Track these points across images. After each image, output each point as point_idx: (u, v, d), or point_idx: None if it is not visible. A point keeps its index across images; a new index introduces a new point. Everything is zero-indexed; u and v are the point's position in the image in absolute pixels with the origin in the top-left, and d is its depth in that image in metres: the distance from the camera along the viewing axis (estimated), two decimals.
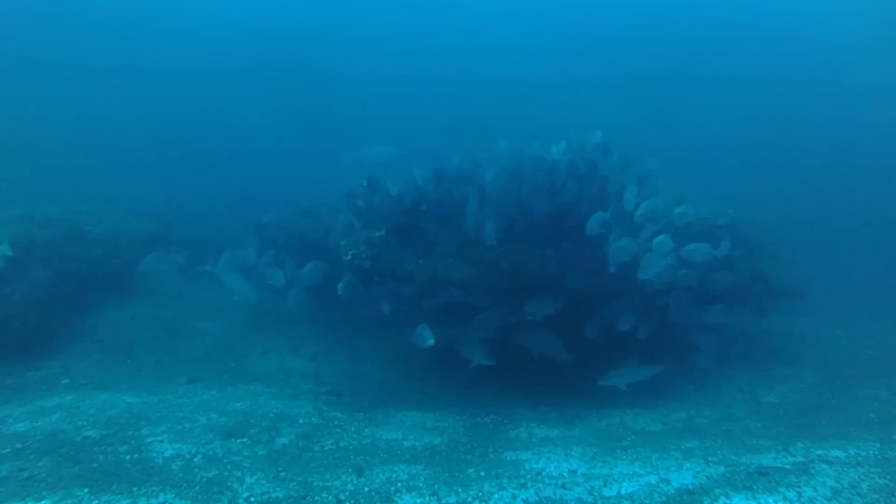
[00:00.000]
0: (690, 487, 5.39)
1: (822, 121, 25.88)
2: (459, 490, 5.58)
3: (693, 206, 9.98)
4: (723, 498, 5.07)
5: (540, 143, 11.50)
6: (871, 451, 6.06)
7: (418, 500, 5.35)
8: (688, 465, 6.03)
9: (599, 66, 34.62)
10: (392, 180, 11.06)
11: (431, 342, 8.06)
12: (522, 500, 5.33)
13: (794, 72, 30.85)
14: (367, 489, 5.56)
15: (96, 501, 4.99)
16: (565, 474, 5.95)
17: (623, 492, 5.44)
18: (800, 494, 5.03)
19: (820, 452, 6.10)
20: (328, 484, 5.65)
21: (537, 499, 5.35)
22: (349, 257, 8.75)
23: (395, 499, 5.38)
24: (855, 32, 31.56)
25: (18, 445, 6.12)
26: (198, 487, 5.42)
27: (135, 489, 5.27)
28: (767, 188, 19.52)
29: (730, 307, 9.76)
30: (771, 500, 4.95)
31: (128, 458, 6.00)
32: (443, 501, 5.34)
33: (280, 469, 5.96)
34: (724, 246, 9.27)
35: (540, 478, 5.86)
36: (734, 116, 27.66)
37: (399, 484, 5.71)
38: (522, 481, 5.76)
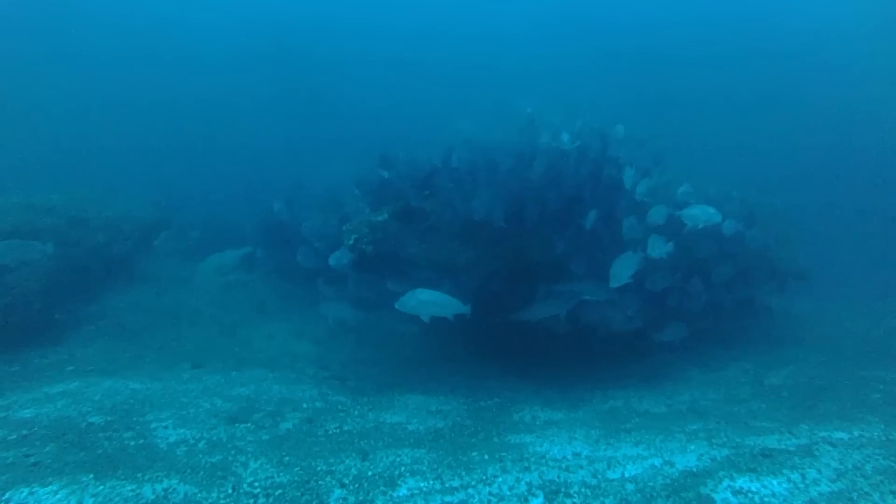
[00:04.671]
0: (694, 470, 5.38)
1: (832, 107, 25.66)
2: (463, 473, 5.58)
3: (698, 187, 10.00)
4: (727, 480, 5.06)
5: (551, 130, 11.44)
6: (875, 433, 6.05)
7: (422, 484, 5.36)
8: (692, 447, 6.02)
9: (609, 50, 34.39)
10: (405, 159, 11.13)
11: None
12: (526, 483, 5.33)
13: (804, 57, 30.60)
14: (370, 473, 5.57)
15: (101, 487, 5.01)
16: (569, 457, 5.95)
17: (627, 474, 5.43)
18: (804, 476, 5.02)
19: (824, 434, 6.08)
20: (332, 468, 5.66)
21: (541, 482, 5.35)
22: (351, 242, 8.72)
23: (399, 482, 5.39)
24: (863, 19, 31.23)
25: (25, 432, 6.14)
26: (202, 472, 5.44)
27: (139, 475, 5.29)
28: (775, 172, 19.42)
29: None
30: (775, 482, 4.94)
31: (132, 443, 6.02)
32: (446, 485, 5.35)
33: (284, 454, 5.98)
34: (728, 225, 9.27)
35: (544, 461, 5.86)
36: (742, 101, 27.46)
37: (403, 468, 5.72)
38: (526, 464, 5.77)
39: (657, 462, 5.65)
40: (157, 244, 10.74)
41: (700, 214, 8.85)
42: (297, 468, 5.64)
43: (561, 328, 8.82)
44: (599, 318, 8.87)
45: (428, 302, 7.58)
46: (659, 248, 8.41)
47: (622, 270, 8.05)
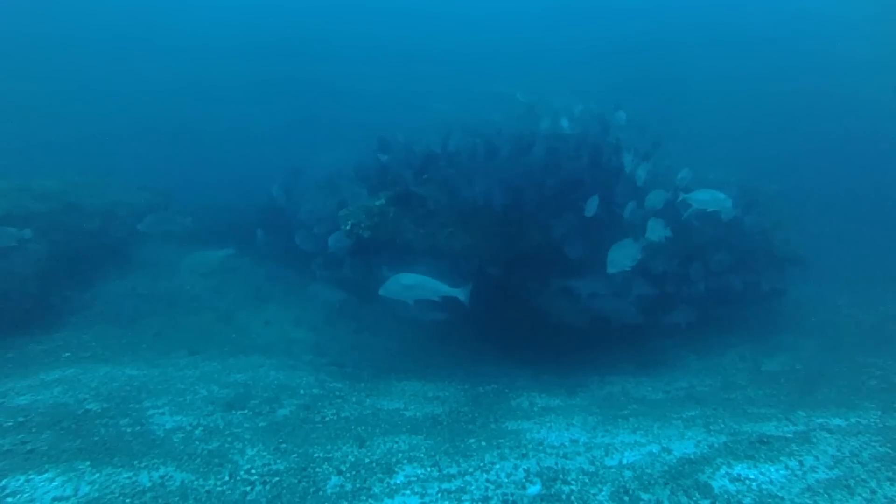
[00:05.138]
0: (692, 456, 5.38)
1: (832, 92, 25.53)
2: (461, 460, 5.58)
3: (697, 172, 9.96)
4: (724, 467, 5.07)
5: (551, 116, 11.36)
6: (871, 420, 6.06)
7: (419, 471, 5.35)
8: (689, 433, 6.02)
9: (596, 34, 34.19)
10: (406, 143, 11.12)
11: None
12: (524, 470, 5.33)
13: (804, 42, 30.44)
14: (367, 460, 5.57)
15: (98, 474, 5.00)
16: (567, 444, 5.95)
17: (624, 461, 5.43)
18: (801, 463, 5.02)
19: (821, 421, 6.09)
20: (329, 455, 5.65)
21: (539, 468, 5.35)
22: (348, 227, 8.67)
23: (396, 469, 5.39)
24: (862, 5, 31.01)
25: (21, 419, 6.12)
26: (199, 460, 5.43)
27: (136, 462, 5.28)
28: (771, 157, 19.37)
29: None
30: (772, 469, 4.94)
31: (129, 430, 6.00)
32: (444, 472, 5.34)
33: (281, 440, 5.97)
34: (727, 211, 9.25)
35: (541, 447, 5.86)
36: (742, 86, 27.31)
37: (400, 455, 5.71)
38: (524, 451, 5.76)
39: (655, 449, 5.65)
40: (142, 227, 10.63)
41: (709, 199, 8.82)
42: (295, 455, 5.63)
43: (579, 321, 8.84)
44: (614, 310, 8.85)
45: (411, 286, 7.55)
46: (658, 232, 8.39)
47: (620, 257, 8.02)
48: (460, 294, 7.49)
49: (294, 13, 37.65)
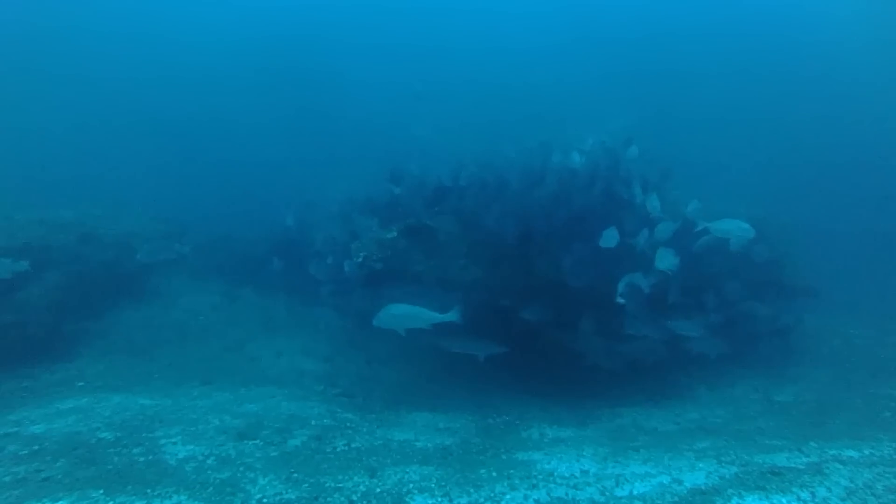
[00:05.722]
0: (703, 488, 5.36)
1: (840, 120, 25.57)
2: (471, 491, 5.58)
3: (707, 203, 10.04)
4: (735, 498, 5.04)
5: (562, 149, 11.50)
6: (885, 451, 6.01)
7: (430, 501, 5.36)
8: (700, 465, 6.00)
9: (611, 65, 34.50)
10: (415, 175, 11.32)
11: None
12: (534, 500, 5.33)
13: (809, 69, 30.60)
14: (378, 490, 5.58)
15: (111, 502, 5.04)
16: (577, 474, 5.94)
17: (635, 492, 5.42)
18: (813, 495, 4.99)
19: (834, 452, 6.05)
20: (340, 485, 5.67)
21: (549, 499, 5.34)
22: (360, 259, 8.77)
23: (407, 499, 5.39)
24: (878, 34, 31.25)
25: (36, 447, 6.20)
26: (211, 489, 5.46)
27: (149, 490, 5.32)
28: (782, 187, 19.38)
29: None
30: (784, 501, 4.91)
31: (142, 459, 6.05)
32: (454, 502, 5.34)
33: (292, 470, 5.99)
34: (735, 241, 9.29)
35: (552, 478, 5.85)
36: (747, 116, 27.41)
37: (411, 485, 5.72)
38: (534, 482, 5.76)
39: (665, 480, 5.64)
40: (141, 257, 10.81)
41: (733, 228, 8.89)
42: (306, 485, 5.65)
43: (615, 364, 8.85)
44: (648, 352, 8.85)
45: (402, 315, 7.65)
46: (667, 261, 8.44)
47: (631, 287, 8.09)
48: (452, 317, 7.55)
49: (306, 46, 38.34)
